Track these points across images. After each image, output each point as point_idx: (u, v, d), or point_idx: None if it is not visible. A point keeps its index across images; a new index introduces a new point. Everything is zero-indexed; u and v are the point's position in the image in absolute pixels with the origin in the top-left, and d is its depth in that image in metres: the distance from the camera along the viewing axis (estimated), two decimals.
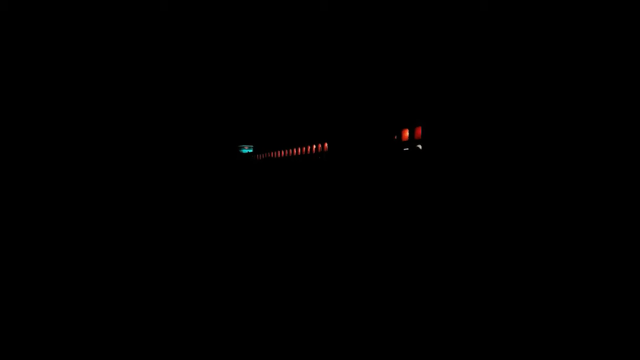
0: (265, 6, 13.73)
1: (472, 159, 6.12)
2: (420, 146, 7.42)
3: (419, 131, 7.53)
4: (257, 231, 6.45)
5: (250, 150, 29.82)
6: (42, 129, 15.85)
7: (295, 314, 3.05)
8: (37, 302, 3.30)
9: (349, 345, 2.53)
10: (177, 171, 23.79)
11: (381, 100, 9.04)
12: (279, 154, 19.59)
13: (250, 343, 2.55)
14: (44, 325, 2.76)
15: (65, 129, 16.80)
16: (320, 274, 4.06)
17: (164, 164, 23.46)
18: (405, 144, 7.98)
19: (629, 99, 4.01)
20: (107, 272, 4.24)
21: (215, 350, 2.41)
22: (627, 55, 4.05)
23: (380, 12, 8.60)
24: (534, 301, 3.20)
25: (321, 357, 2.25)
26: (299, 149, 15.56)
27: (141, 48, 17.75)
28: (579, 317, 2.88)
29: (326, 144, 12.46)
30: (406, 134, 8.03)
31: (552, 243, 4.71)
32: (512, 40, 5.48)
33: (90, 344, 2.44)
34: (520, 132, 5.28)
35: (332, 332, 2.71)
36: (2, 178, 14.09)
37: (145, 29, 16.23)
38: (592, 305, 3.09)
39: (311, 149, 14.05)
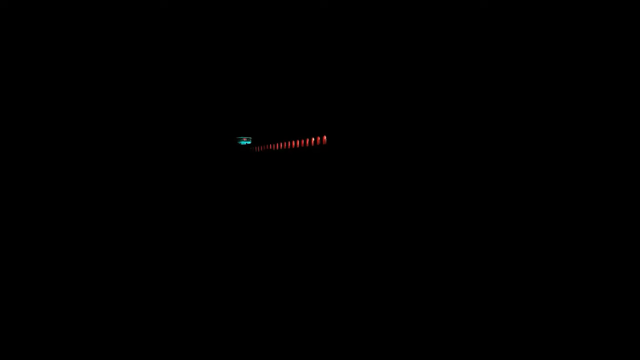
0: None
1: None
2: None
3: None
4: (255, 225, 6.49)
5: (249, 142, 29.71)
6: (41, 125, 15.78)
7: (291, 311, 3.11)
8: (36, 302, 3.32)
9: (349, 345, 2.60)
10: (175, 163, 23.72)
11: (380, 96, 9.09)
12: (277, 146, 19.58)
13: (248, 342, 2.57)
14: (44, 325, 2.74)
15: (60, 121, 16.74)
16: (319, 269, 4.12)
17: (162, 156, 23.40)
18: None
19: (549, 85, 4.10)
20: (102, 267, 4.29)
21: (212, 349, 2.43)
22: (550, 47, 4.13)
23: (379, 9, 8.63)
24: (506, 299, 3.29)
25: (320, 357, 2.28)
26: (298, 142, 15.58)
27: (139, 40, 17.67)
28: (547, 315, 2.96)
29: (325, 137, 12.51)
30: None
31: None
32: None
33: (89, 344, 2.39)
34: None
35: (331, 331, 2.77)
36: (1, 176, 14.04)
37: (144, 21, 16.15)
38: (554, 302, 3.18)
39: (309, 141, 14.08)
